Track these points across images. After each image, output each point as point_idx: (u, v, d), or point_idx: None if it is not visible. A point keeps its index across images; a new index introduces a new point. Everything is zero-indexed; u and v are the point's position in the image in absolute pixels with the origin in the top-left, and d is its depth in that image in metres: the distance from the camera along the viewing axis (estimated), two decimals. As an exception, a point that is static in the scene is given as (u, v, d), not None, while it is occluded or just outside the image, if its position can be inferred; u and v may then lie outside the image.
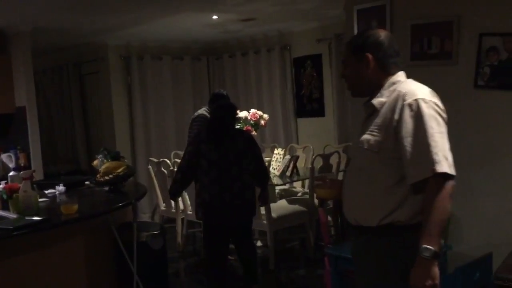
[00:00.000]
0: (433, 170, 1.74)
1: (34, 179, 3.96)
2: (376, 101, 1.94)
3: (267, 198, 4.16)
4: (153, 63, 6.92)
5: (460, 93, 3.36)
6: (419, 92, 1.86)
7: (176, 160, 5.41)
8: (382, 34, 1.99)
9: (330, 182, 2.38)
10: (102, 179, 3.64)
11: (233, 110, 3.80)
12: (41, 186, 3.84)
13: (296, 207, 5.01)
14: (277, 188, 5.41)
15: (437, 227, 1.74)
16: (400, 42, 3.48)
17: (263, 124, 5.45)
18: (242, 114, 5.26)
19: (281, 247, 5.30)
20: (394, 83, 1.95)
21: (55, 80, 7.55)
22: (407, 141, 1.80)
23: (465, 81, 3.34)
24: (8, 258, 2.79)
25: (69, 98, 7.28)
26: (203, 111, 4.98)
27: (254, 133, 5.20)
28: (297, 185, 5.95)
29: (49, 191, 3.74)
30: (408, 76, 2.01)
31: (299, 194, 5.59)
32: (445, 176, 1.74)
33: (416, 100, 1.82)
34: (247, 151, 3.73)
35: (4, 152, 5.12)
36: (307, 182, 5.52)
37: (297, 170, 5.28)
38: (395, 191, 1.87)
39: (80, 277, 3.18)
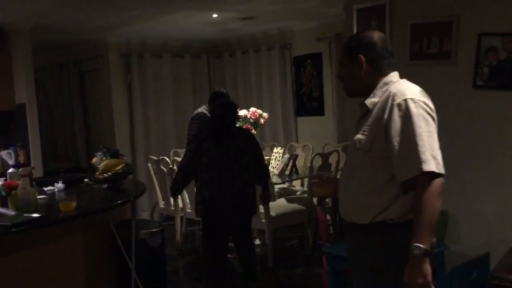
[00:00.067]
0: (420, 169, 1.77)
1: (33, 176, 3.97)
2: (369, 101, 1.98)
3: (268, 197, 4.15)
4: (153, 61, 6.92)
5: (459, 93, 3.36)
6: (408, 92, 1.89)
7: (176, 158, 5.42)
8: (376, 36, 2.02)
9: (327, 180, 2.41)
10: (101, 176, 3.64)
11: (233, 108, 3.80)
12: (40, 183, 3.84)
13: (295, 206, 5.01)
14: (276, 186, 5.42)
15: (426, 226, 1.76)
16: (400, 41, 3.50)
17: (263, 123, 5.46)
18: (241, 112, 5.26)
19: (279, 245, 5.31)
20: (386, 84, 1.98)
21: (55, 78, 7.54)
22: (396, 140, 1.83)
23: (464, 81, 3.34)
24: (6, 255, 2.80)
25: (69, 96, 7.28)
26: (203, 109, 4.98)
27: (253, 131, 5.21)
28: (296, 184, 5.95)
29: (48, 188, 3.74)
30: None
31: (298, 192, 5.59)
32: (433, 175, 1.77)
33: (405, 100, 1.85)
34: (247, 149, 3.73)
35: (4, 149, 5.13)
36: (306, 180, 5.52)
37: (296, 169, 5.29)
38: (386, 190, 1.90)
39: (78, 274, 3.19)
